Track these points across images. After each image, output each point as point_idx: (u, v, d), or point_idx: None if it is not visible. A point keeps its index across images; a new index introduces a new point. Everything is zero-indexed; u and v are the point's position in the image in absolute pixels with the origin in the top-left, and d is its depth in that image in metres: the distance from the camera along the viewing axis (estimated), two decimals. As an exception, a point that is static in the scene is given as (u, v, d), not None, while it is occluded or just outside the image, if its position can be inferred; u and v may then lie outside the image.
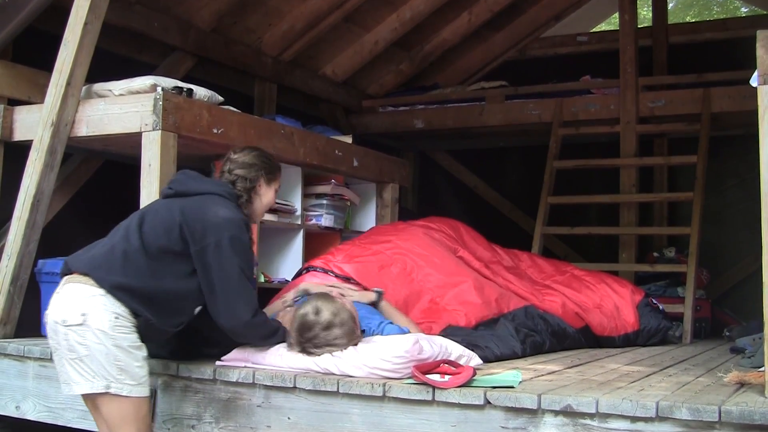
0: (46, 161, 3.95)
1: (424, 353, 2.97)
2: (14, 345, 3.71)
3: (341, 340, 3.09)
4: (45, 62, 4.12)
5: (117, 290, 2.83)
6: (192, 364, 3.26)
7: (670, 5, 9.96)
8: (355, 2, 5.96)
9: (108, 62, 4.38)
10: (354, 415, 2.89)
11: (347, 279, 3.98)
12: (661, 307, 4.97)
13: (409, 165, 6.27)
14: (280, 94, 6.16)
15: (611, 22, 9.76)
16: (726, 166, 6.75)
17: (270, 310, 3.67)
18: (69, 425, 3.51)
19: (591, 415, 2.56)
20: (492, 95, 6.82)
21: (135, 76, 4.05)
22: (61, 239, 4.47)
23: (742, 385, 2.91)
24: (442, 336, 3.54)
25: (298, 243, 4.95)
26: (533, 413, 2.62)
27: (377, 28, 6.50)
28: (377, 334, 3.38)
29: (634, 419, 2.51)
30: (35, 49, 4.36)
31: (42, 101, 4.05)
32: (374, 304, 3.72)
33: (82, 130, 4.01)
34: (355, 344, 3.13)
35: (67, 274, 2.94)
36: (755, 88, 2.68)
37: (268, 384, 3.04)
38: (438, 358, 3.02)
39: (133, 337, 2.86)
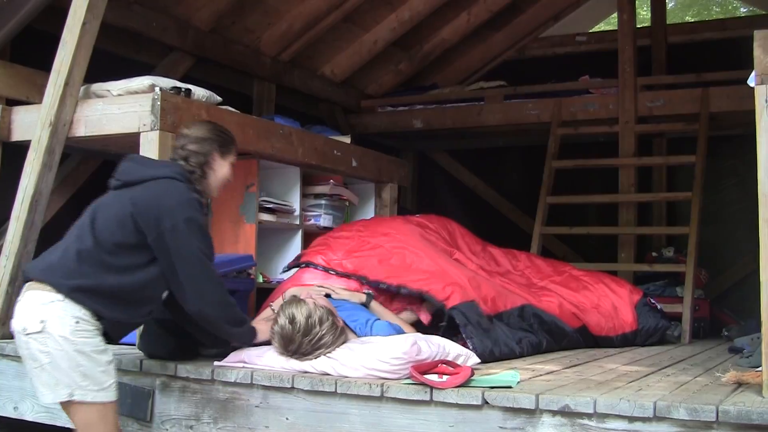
0: (44, 161, 3.94)
1: (422, 354, 2.97)
2: (12, 345, 3.69)
3: (327, 338, 3.10)
4: (43, 62, 4.12)
5: (76, 293, 2.75)
6: (190, 365, 3.26)
7: (669, 5, 9.96)
8: (354, 2, 5.96)
9: (106, 62, 4.38)
10: (352, 415, 2.89)
11: (348, 276, 4.01)
12: (659, 307, 4.96)
13: (407, 165, 6.27)
14: (278, 94, 6.16)
15: (610, 22, 9.74)
16: (724, 165, 6.76)
17: (259, 320, 3.69)
18: (67, 426, 3.50)
19: (589, 415, 2.56)
20: (491, 95, 6.82)
21: (133, 76, 4.04)
22: (60, 239, 4.48)
23: (740, 384, 2.91)
24: (458, 311, 3.65)
25: (296, 243, 4.95)
26: (531, 413, 2.63)
27: (376, 28, 6.50)
28: (367, 332, 3.40)
29: (632, 419, 2.51)
30: (33, 49, 4.36)
31: (40, 101, 4.04)
32: (365, 306, 3.75)
33: (81, 130, 4.01)
34: (344, 337, 3.15)
35: (28, 282, 2.87)
36: (753, 88, 2.69)
37: (266, 384, 3.05)
38: (436, 358, 3.02)
39: (96, 341, 2.78)
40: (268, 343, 3.22)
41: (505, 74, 7.36)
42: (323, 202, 5.12)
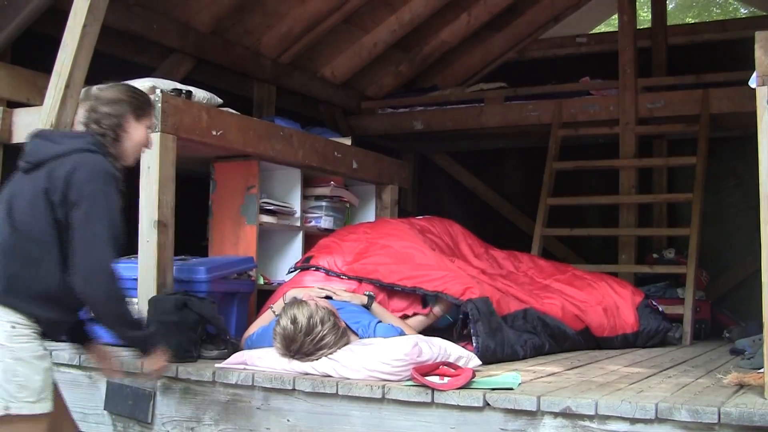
0: (45, 163, 3.94)
1: (423, 355, 2.97)
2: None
3: (329, 338, 3.09)
4: (44, 64, 4.12)
5: (5, 297, 2.55)
6: (191, 366, 3.26)
7: (669, 6, 9.96)
8: (354, 4, 5.97)
9: (107, 64, 4.38)
10: (353, 417, 2.89)
11: (360, 279, 4.02)
12: (660, 309, 4.97)
13: (408, 166, 6.27)
14: (279, 96, 6.16)
15: (610, 24, 9.76)
16: (725, 167, 6.76)
17: (261, 320, 3.71)
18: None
19: (590, 417, 2.56)
20: (491, 97, 6.81)
21: (134, 78, 4.03)
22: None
23: (741, 386, 2.91)
24: (473, 305, 3.72)
25: (297, 245, 4.95)
26: (532, 415, 2.62)
27: (376, 30, 6.49)
28: (369, 334, 3.40)
29: (634, 421, 2.51)
30: (34, 52, 4.36)
31: (41, 103, 4.04)
32: (366, 307, 3.76)
33: (81, 132, 4.00)
34: (346, 339, 3.15)
35: None
36: (754, 89, 2.68)
37: (267, 386, 3.05)
38: (437, 360, 3.02)
39: (35, 346, 2.57)
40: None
41: (506, 76, 7.36)
42: (324, 203, 5.12)
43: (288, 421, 3.01)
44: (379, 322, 3.57)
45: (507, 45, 7.68)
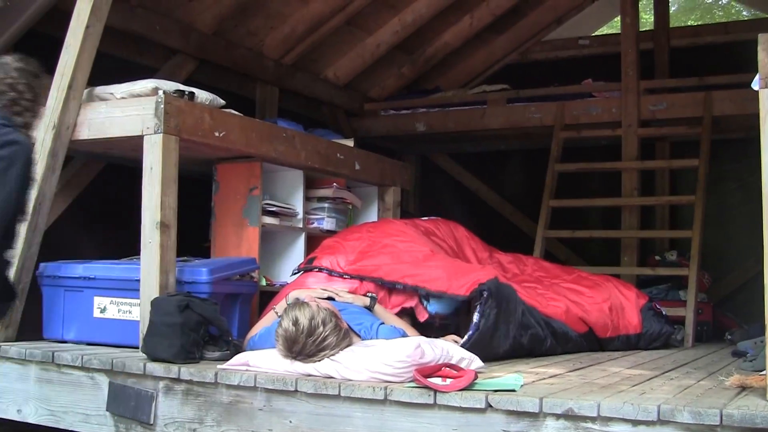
0: (47, 164, 3.95)
1: (425, 357, 2.97)
2: (16, 348, 3.71)
3: (331, 339, 3.10)
4: (47, 65, 4.10)
5: None
6: (193, 368, 3.26)
7: (671, 8, 9.97)
8: (357, 5, 5.97)
9: (109, 65, 4.39)
10: (355, 418, 2.89)
11: (362, 278, 4.02)
12: (664, 312, 4.98)
13: (410, 168, 6.27)
14: (281, 98, 6.16)
15: (613, 26, 9.74)
16: (727, 169, 6.75)
17: (263, 322, 3.71)
18: (71, 428, 3.51)
19: (593, 419, 2.55)
20: (493, 98, 6.82)
21: (137, 79, 4.05)
22: (63, 242, 4.49)
23: (743, 388, 2.91)
24: (486, 286, 3.75)
25: (299, 246, 4.95)
26: (535, 417, 2.62)
27: (379, 32, 6.50)
28: (372, 336, 3.40)
29: (636, 423, 2.50)
30: (37, 53, 4.35)
31: (44, 104, 4.05)
32: (368, 309, 3.76)
33: (84, 133, 4.01)
34: (348, 340, 3.15)
35: None
36: (757, 92, 2.68)
37: (269, 387, 3.04)
38: (439, 362, 3.02)
39: None
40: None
41: (508, 78, 7.37)
42: (326, 205, 5.13)
43: (290, 422, 3.01)
44: (382, 323, 3.57)
45: (509, 47, 7.69)
